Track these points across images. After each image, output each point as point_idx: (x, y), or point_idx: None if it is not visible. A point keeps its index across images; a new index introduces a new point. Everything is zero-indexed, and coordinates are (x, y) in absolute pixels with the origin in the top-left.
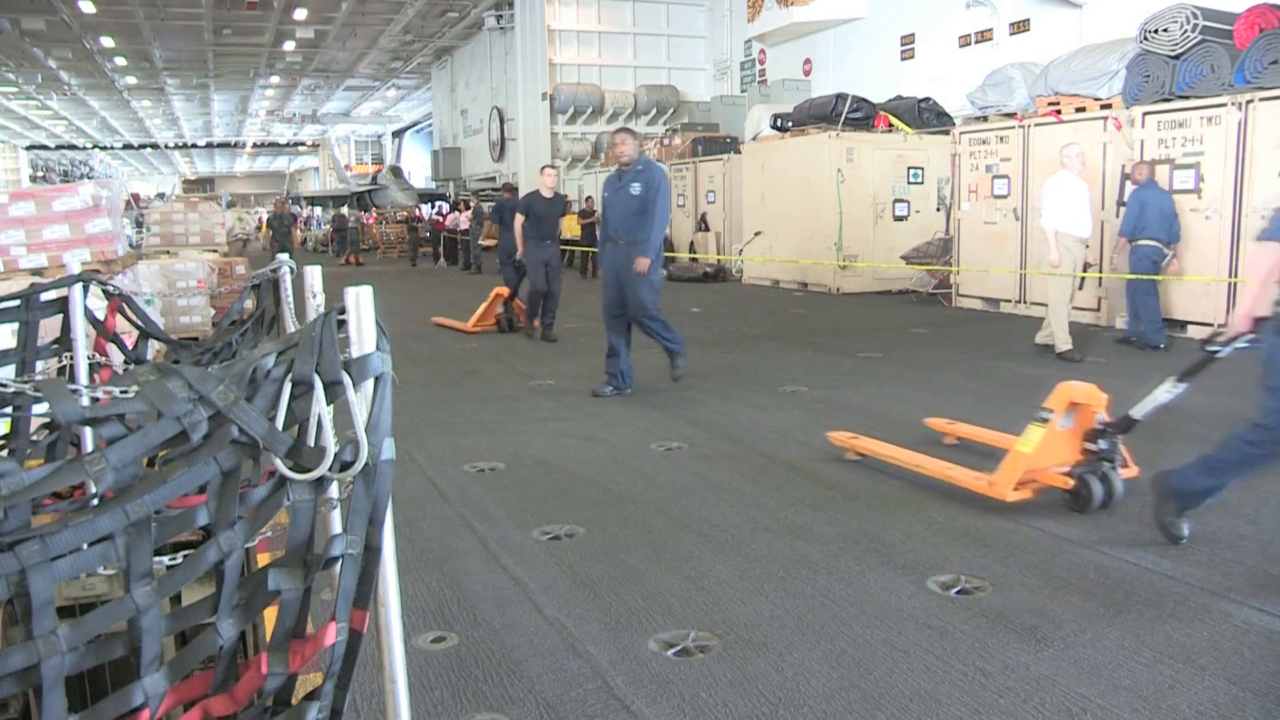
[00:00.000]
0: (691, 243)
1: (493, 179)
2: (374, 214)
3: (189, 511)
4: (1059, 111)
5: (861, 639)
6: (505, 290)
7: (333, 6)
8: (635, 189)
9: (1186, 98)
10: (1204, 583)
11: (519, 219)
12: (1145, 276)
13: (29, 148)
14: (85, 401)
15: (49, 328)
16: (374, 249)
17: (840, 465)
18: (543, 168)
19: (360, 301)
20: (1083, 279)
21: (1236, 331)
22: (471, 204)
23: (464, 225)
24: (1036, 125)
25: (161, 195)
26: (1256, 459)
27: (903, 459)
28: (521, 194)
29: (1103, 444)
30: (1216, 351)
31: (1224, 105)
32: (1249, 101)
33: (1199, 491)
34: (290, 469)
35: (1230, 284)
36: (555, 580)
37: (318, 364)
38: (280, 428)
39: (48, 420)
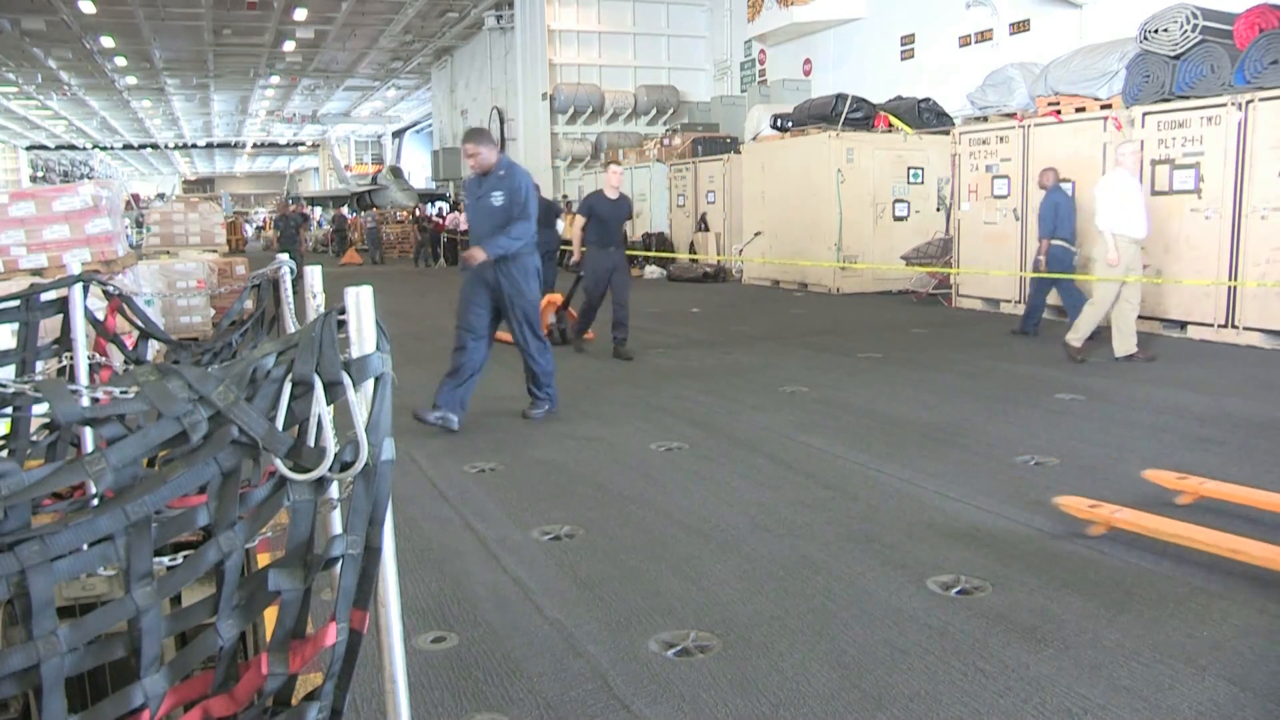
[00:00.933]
0: (691, 243)
1: None
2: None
3: (189, 512)
4: (1059, 111)
5: (862, 639)
6: (557, 298)
7: (333, 7)
8: (497, 199)
9: (1186, 98)
10: (1204, 583)
11: (579, 221)
12: (1063, 275)
13: (29, 148)
14: (85, 402)
15: (49, 328)
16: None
17: (839, 466)
18: (607, 164)
19: (360, 301)
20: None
21: None
22: None
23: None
24: (1036, 125)
25: (161, 195)
26: None
27: (1193, 538)
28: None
29: (558, 317)
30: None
31: (1224, 105)
32: (1249, 101)
33: None
34: (290, 469)
35: (1230, 285)
36: (555, 580)
37: (318, 364)
38: (280, 428)
39: (48, 420)
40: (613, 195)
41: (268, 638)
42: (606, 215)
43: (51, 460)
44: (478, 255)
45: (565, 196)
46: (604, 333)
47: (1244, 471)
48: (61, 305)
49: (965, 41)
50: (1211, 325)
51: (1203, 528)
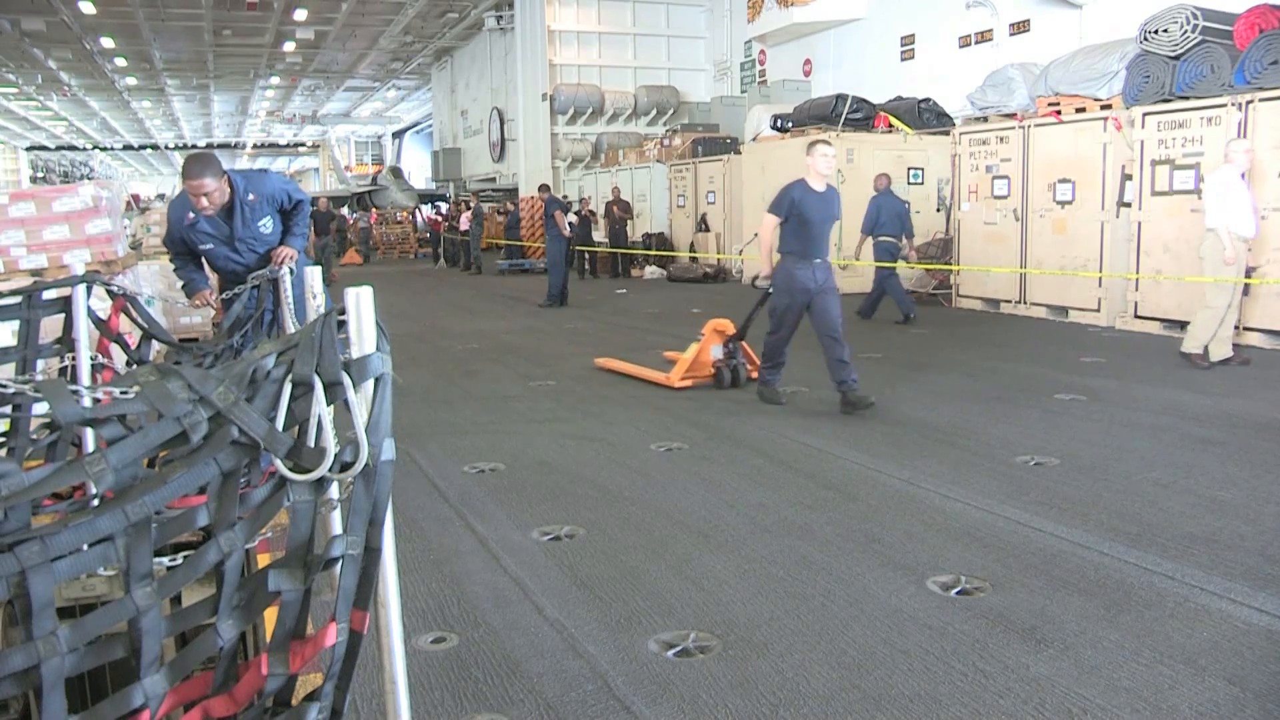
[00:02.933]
0: (692, 243)
1: (493, 179)
2: (374, 214)
3: (189, 512)
4: (1059, 112)
5: (861, 639)
6: (726, 325)
7: (333, 7)
8: (268, 225)
9: (1186, 98)
10: (1204, 583)
11: (770, 221)
12: (887, 264)
13: (29, 148)
14: (86, 402)
15: (51, 328)
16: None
17: (840, 466)
18: (813, 144)
19: (360, 302)
20: (1246, 285)
21: None
22: (471, 204)
23: (464, 225)
24: (1036, 126)
25: (162, 196)
26: None
27: (629, 369)
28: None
29: (730, 348)
30: (766, 290)
31: (1224, 106)
32: (1249, 102)
33: None
34: (290, 470)
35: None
36: (555, 580)
37: (318, 365)
38: (280, 428)
39: (48, 420)
40: (819, 187)
41: (268, 638)
42: (812, 214)
43: (51, 460)
44: (287, 253)
45: (565, 197)
46: (600, 338)
47: (1244, 471)
48: (63, 304)
49: (965, 42)
50: None
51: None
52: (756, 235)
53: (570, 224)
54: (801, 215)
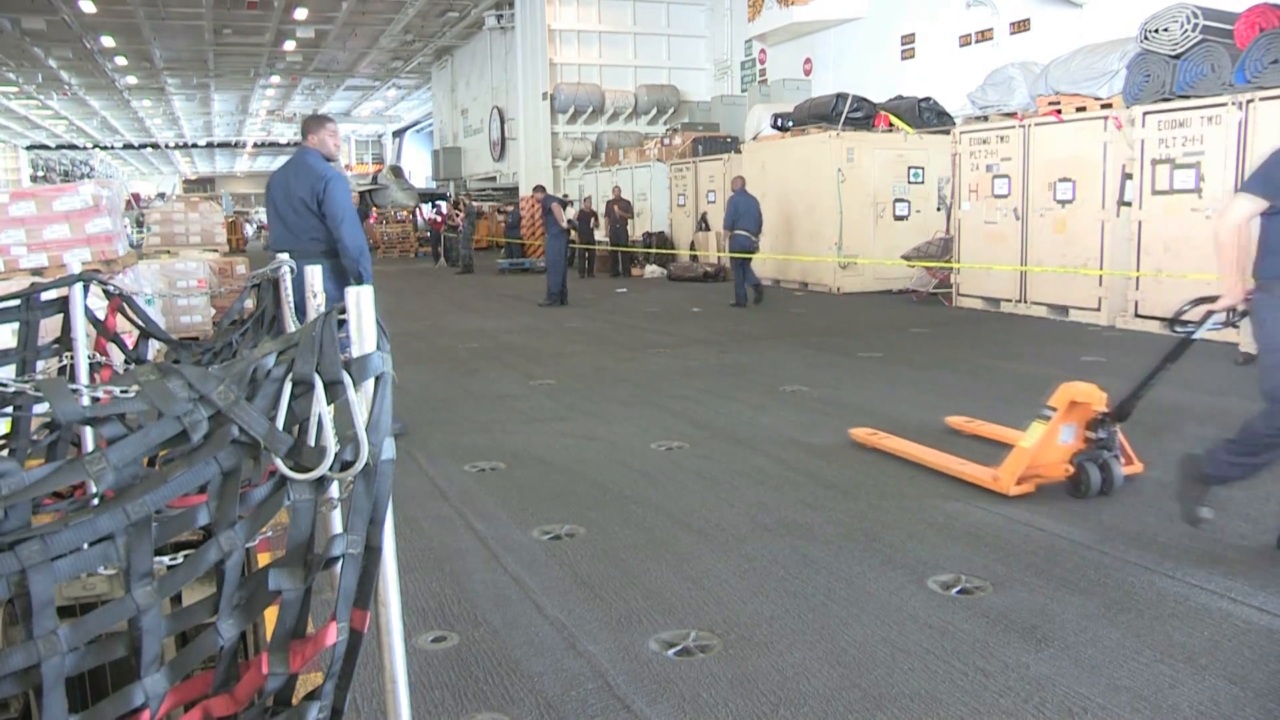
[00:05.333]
0: (692, 242)
1: (493, 179)
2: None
3: (189, 511)
4: (1059, 111)
5: (862, 639)
6: (1093, 396)
7: (333, 6)
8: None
9: (1187, 97)
10: (1204, 583)
11: (1249, 208)
12: (742, 254)
13: (29, 147)
14: (85, 401)
15: (49, 327)
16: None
17: (840, 465)
18: None
19: (360, 301)
20: None
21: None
22: (463, 203)
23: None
24: (1037, 125)
25: (162, 195)
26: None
27: (917, 454)
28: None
29: (1101, 433)
30: (1191, 333)
31: (1224, 105)
32: (1249, 101)
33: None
34: (291, 469)
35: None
36: (555, 580)
37: (318, 364)
38: (281, 427)
39: (48, 420)
40: None
41: (268, 637)
42: None
43: (52, 460)
44: None
45: (565, 195)
46: (602, 337)
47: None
48: (62, 305)
49: (965, 41)
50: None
51: (936, 450)
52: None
53: (570, 220)
54: None
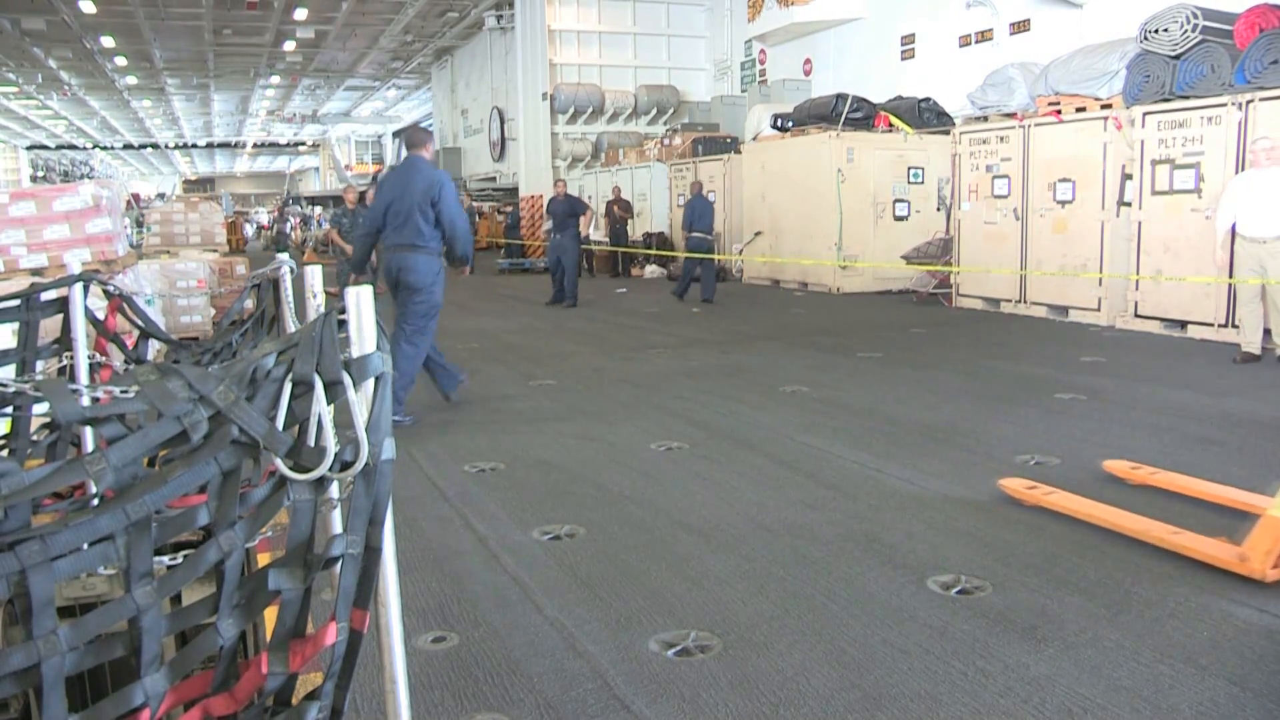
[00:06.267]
0: None
1: (493, 179)
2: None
3: (189, 511)
4: (1059, 111)
5: (862, 639)
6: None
7: (333, 6)
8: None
9: (1187, 97)
10: (1204, 583)
11: None
12: (702, 255)
13: (29, 148)
14: (85, 401)
15: (49, 328)
16: None
17: (840, 465)
18: None
19: (360, 301)
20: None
21: None
22: (463, 203)
23: None
24: (1037, 125)
25: (162, 195)
26: None
27: (1101, 517)
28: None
29: None
30: None
31: (1224, 105)
32: (1249, 101)
33: None
34: (291, 469)
35: (1229, 284)
36: (555, 580)
37: (318, 364)
38: (280, 427)
39: (48, 420)
40: None
41: (268, 637)
42: None
43: (52, 460)
44: None
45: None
46: (603, 335)
47: (1244, 471)
48: (62, 305)
49: (965, 41)
50: (1212, 325)
51: (1121, 510)
52: (758, 234)
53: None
54: None
